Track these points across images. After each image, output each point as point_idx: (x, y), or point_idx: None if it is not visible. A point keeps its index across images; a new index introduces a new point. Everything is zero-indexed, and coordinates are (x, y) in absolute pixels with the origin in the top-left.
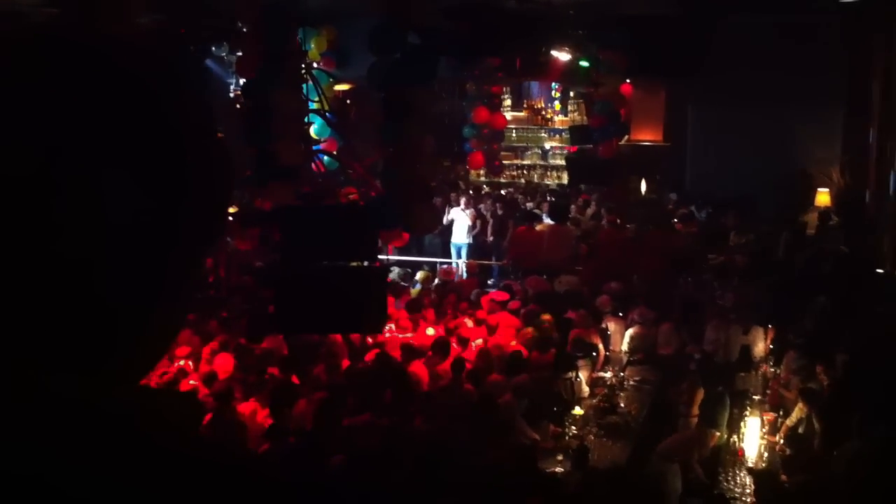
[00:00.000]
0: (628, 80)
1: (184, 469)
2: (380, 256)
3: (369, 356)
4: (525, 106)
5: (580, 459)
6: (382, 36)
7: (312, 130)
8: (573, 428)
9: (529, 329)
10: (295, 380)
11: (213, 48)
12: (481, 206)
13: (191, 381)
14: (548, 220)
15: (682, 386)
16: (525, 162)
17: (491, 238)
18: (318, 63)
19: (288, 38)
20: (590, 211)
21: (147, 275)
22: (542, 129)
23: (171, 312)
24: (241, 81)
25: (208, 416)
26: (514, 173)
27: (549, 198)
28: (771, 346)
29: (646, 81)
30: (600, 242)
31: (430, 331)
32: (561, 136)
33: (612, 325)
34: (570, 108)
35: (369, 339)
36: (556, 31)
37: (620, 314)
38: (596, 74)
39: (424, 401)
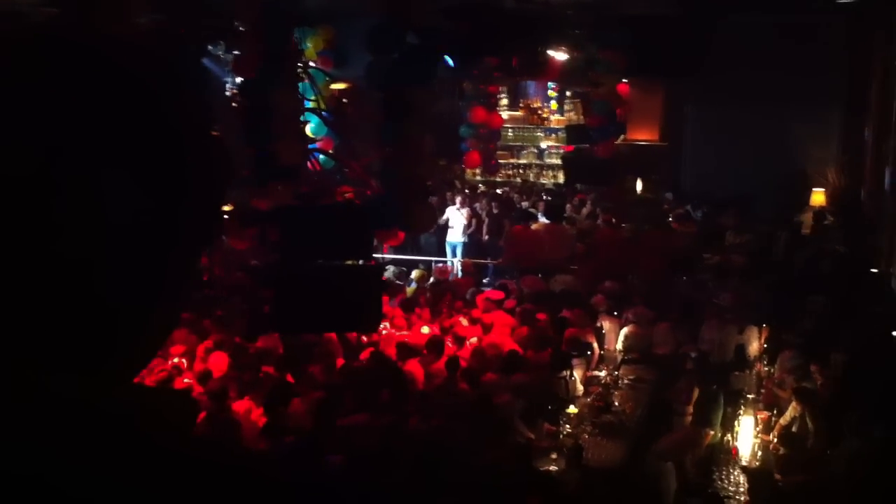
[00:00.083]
0: (625, 80)
1: (183, 469)
2: (375, 255)
3: (364, 355)
4: (521, 105)
5: (574, 458)
6: (381, 35)
7: (309, 129)
8: (568, 427)
9: (525, 328)
10: (290, 379)
11: (210, 47)
12: (477, 205)
13: (185, 380)
14: (544, 220)
15: (678, 385)
16: (521, 161)
17: (486, 237)
18: (314, 62)
19: (286, 37)
20: (585, 210)
21: (147, 275)
22: (539, 129)
23: (170, 312)
24: (238, 80)
25: (202, 415)
26: (511, 172)
27: (545, 197)
28: (765, 346)
29: (643, 81)
30: (598, 242)
31: (426, 329)
32: (557, 135)
33: (606, 325)
34: (566, 107)
35: (364, 338)
36: (555, 31)
37: (615, 313)
38: (593, 74)
39: (420, 400)
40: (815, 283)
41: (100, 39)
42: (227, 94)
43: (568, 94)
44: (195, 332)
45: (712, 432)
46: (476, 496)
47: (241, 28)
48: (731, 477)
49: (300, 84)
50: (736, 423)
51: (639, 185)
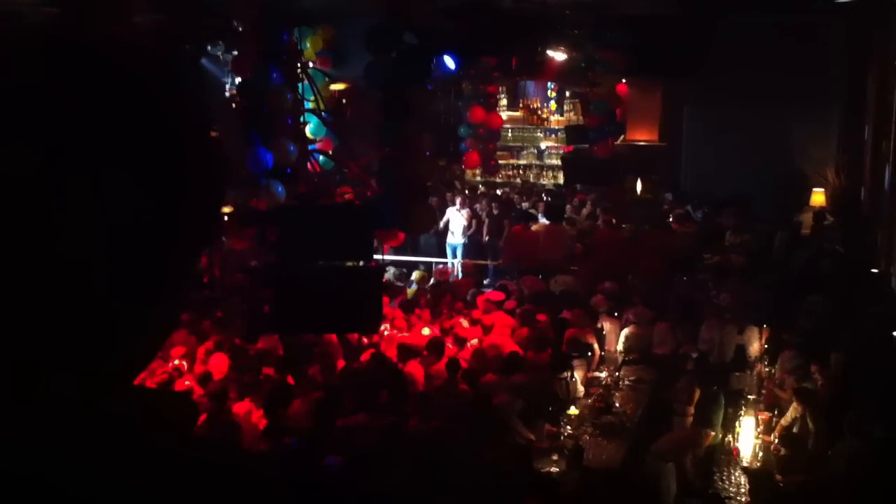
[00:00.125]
0: (624, 80)
1: (184, 469)
2: (375, 256)
3: (365, 356)
4: (521, 106)
5: (575, 459)
6: (380, 35)
7: (308, 130)
8: (568, 428)
9: (525, 329)
10: (290, 380)
11: (209, 47)
12: (477, 205)
13: (186, 382)
14: (543, 220)
15: (678, 385)
16: (521, 162)
17: (486, 238)
18: (313, 62)
19: (286, 37)
20: (585, 211)
21: (147, 275)
22: (538, 129)
23: (170, 312)
24: (237, 81)
25: (203, 417)
26: (510, 173)
27: (544, 198)
28: (766, 346)
29: (642, 81)
30: (598, 242)
31: (426, 331)
32: (557, 135)
33: (607, 325)
34: (566, 107)
35: (364, 340)
36: (554, 31)
37: (615, 314)
38: (593, 74)
39: (420, 401)
40: (815, 283)
41: (100, 39)
42: (227, 94)
43: (567, 94)
44: (195, 333)
45: (713, 433)
46: (476, 496)
47: (240, 28)
48: (732, 477)
49: (299, 84)
50: (737, 423)
51: (638, 186)
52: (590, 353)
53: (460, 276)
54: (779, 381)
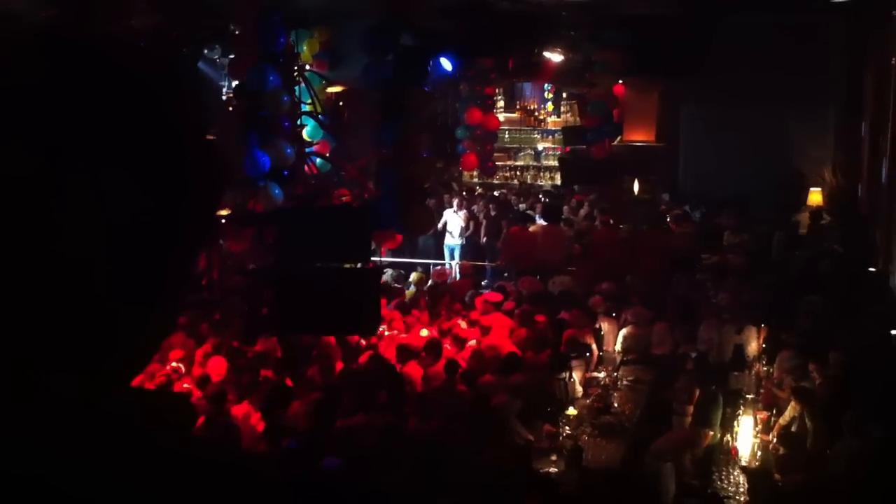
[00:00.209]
0: (621, 81)
1: (184, 469)
2: (373, 258)
3: (363, 358)
4: (518, 107)
5: (574, 459)
6: (378, 37)
7: (305, 132)
8: (567, 428)
9: (523, 330)
10: (289, 382)
11: (206, 51)
12: (474, 207)
13: (184, 385)
14: (541, 221)
15: (677, 385)
16: (518, 163)
17: (484, 239)
18: (310, 65)
19: (283, 40)
20: (583, 212)
21: (147, 275)
22: (535, 131)
23: (170, 311)
24: (234, 84)
25: (201, 419)
26: (508, 174)
27: (542, 199)
28: (764, 346)
29: (639, 82)
30: (596, 243)
31: (424, 332)
32: (554, 137)
33: (605, 326)
34: (563, 108)
35: (362, 341)
36: (552, 32)
37: (614, 314)
38: (590, 75)
39: (419, 401)
40: (814, 282)
41: (99, 39)
42: (224, 97)
43: (564, 95)
44: (193, 336)
45: (711, 433)
46: (475, 496)
47: (235, 31)
48: (731, 477)
49: (296, 87)
50: (735, 423)
51: (636, 186)
52: (588, 354)
53: (458, 277)
54: (777, 380)
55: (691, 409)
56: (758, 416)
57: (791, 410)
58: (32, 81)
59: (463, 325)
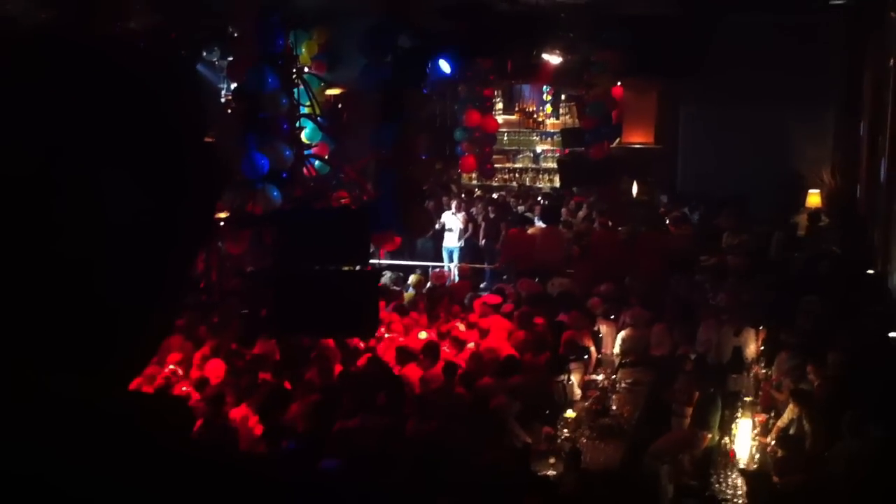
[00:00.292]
0: (619, 83)
1: (184, 469)
2: (372, 260)
3: (362, 360)
4: (517, 109)
5: (573, 462)
6: (376, 38)
7: (304, 134)
8: (565, 430)
9: (522, 332)
10: (287, 385)
11: (205, 53)
12: (473, 209)
13: (182, 388)
14: (540, 223)
15: (676, 386)
16: (517, 165)
17: (483, 241)
18: (309, 67)
19: (281, 42)
20: (581, 213)
21: (147, 275)
22: (534, 132)
23: (169, 311)
24: (233, 86)
25: (199, 422)
26: (506, 176)
27: (541, 201)
28: (762, 348)
29: (637, 83)
30: (595, 244)
31: (423, 334)
32: (553, 139)
33: (603, 328)
34: (561, 110)
35: (361, 344)
36: (550, 34)
37: (612, 316)
38: (588, 76)
39: (418, 404)
40: (813, 283)
41: (99, 40)
42: (223, 100)
43: (563, 97)
44: (191, 339)
45: (709, 435)
46: (475, 497)
47: (234, 33)
48: (729, 479)
49: (295, 89)
50: (733, 425)
51: (634, 188)
52: (587, 356)
53: (457, 279)
54: (775, 382)
55: (690, 410)
56: (756, 418)
57: (789, 412)
58: (32, 82)
59: (461, 327)
